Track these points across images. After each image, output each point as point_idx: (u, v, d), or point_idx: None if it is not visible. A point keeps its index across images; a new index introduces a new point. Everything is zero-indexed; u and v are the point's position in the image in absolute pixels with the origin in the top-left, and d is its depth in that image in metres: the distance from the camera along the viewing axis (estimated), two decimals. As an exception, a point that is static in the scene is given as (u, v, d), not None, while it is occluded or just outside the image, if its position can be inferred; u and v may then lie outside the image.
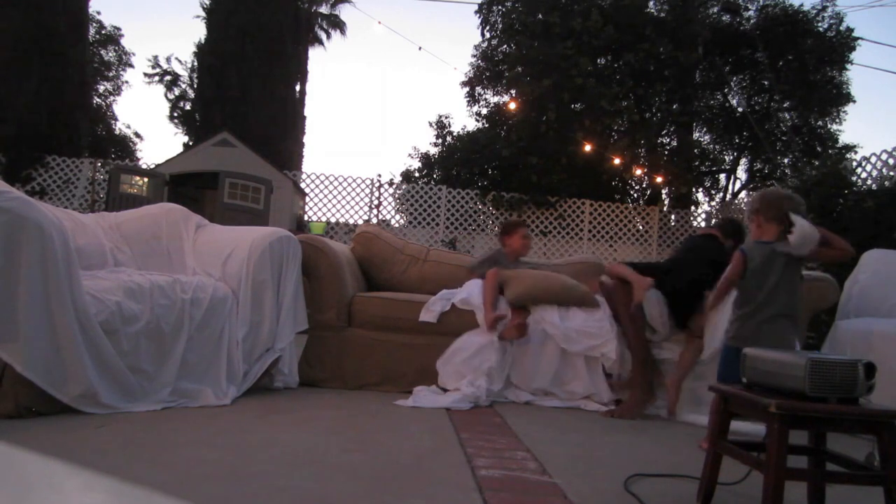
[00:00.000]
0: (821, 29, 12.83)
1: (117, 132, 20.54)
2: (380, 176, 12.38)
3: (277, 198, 10.75)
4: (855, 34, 12.68)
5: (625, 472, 1.80)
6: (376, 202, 12.05)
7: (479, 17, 14.43)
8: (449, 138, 14.63)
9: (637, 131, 12.68)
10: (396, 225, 12.76)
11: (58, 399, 2.05)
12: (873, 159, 7.63)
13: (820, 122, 13.59)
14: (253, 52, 13.91)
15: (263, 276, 2.87)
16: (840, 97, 13.18)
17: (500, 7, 14.12)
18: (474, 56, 14.48)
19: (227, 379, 2.64)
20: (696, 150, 14.35)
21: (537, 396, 3.10)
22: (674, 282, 2.95)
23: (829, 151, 12.63)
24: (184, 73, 20.94)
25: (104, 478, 0.35)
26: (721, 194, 15.05)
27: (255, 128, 13.30)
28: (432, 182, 13.73)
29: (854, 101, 13.27)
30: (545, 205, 12.21)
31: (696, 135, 14.73)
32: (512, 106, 12.85)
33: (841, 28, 12.72)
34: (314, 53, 25.36)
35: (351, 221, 11.97)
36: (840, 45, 12.67)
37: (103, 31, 20.28)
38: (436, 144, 15.13)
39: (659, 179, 13.14)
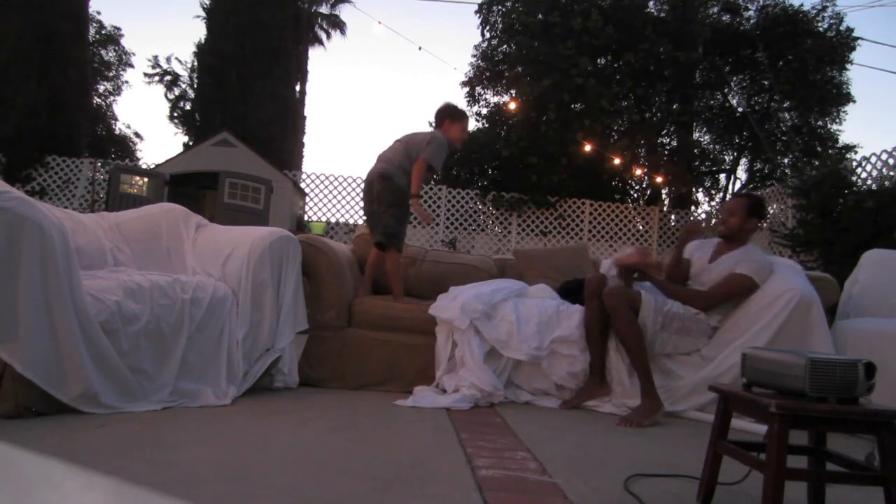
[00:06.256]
0: (821, 29, 12.84)
1: (117, 132, 20.59)
2: (380, 176, 12.36)
3: (277, 198, 10.75)
4: (855, 34, 12.71)
5: (625, 472, 1.80)
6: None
7: (479, 17, 14.45)
8: (449, 138, 14.61)
9: (637, 131, 12.69)
10: (396, 225, 12.74)
11: (58, 399, 2.04)
12: (873, 159, 7.64)
13: (820, 122, 13.61)
14: (253, 52, 13.90)
15: (263, 276, 2.87)
16: (840, 97, 13.20)
17: (500, 7, 14.13)
18: (474, 56, 14.52)
19: (227, 379, 2.64)
20: (696, 150, 14.36)
21: (537, 396, 3.10)
22: None
23: (829, 151, 12.64)
24: (184, 73, 20.96)
25: (104, 478, 0.35)
26: (721, 194, 15.08)
27: (255, 128, 13.30)
28: (432, 182, 13.72)
29: (854, 101, 13.31)
30: (545, 205, 12.21)
31: (696, 135, 14.75)
32: (512, 106, 12.86)
33: (841, 28, 12.74)
34: (314, 53, 25.40)
35: (351, 221, 11.97)
36: (840, 45, 12.68)
37: (103, 31, 20.34)
38: (436, 144, 15.11)
39: (659, 179, 13.16)
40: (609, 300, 2.90)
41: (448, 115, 3.67)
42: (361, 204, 11.97)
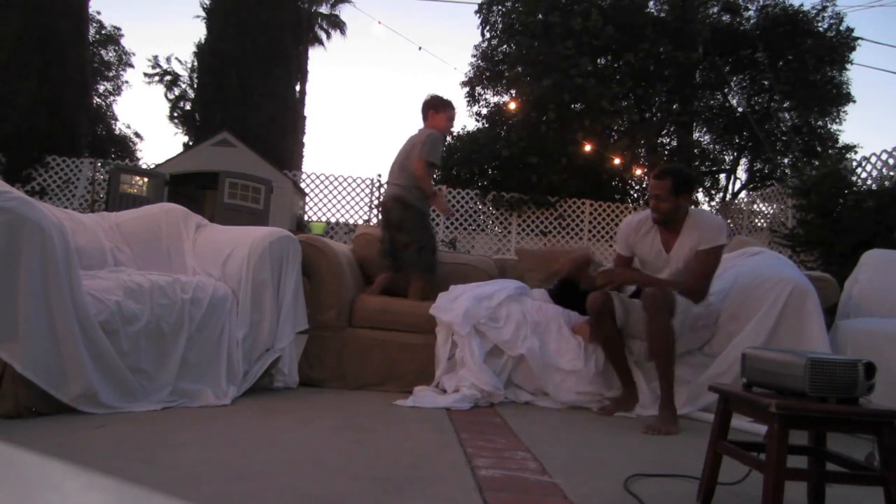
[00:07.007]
0: (821, 29, 12.85)
1: (117, 132, 20.59)
2: (380, 176, 12.32)
3: (277, 198, 10.75)
4: (855, 34, 12.73)
5: (625, 472, 1.80)
6: (376, 202, 12.04)
7: (479, 17, 14.45)
8: (449, 138, 14.65)
9: (637, 131, 12.69)
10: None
11: (58, 399, 2.04)
12: (873, 159, 7.64)
13: (820, 122, 13.62)
14: (253, 52, 13.90)
15: (263, 276, 2.87)
16: (840, 97, 13.22)
17: (500, 7, 14.13)
18: (474, 56, 14.52)
19: (227, 379, 2.64)
20: (696, 150, 14.37)
21: (537, 396, 3.09)
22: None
23: (829, 151, 12.65)
24: (184, 73, 20.96)
25: (104, 478, 0.35)
26: (721, 194, 15.08)
27: (255, 128, 13.29)
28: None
29: (854, 101, 13.32)
30: (545, 205, 12.21)
31: (696, 135, 14.76)
32: (512, 106, 12.86)
33: (841, 28, 12.75)
34: (314, 53, 25.40)
35: (351, 221, 11.97)
36: (840, 45, 12.69)
37: (103, 31, 20.33)
38: (436, 144, 15.12)
39: (659, 179, 13.13)
40: (650, 301, 2.73)
41: (431, 107, 3.76)
42: (361, 204, 12.06)
